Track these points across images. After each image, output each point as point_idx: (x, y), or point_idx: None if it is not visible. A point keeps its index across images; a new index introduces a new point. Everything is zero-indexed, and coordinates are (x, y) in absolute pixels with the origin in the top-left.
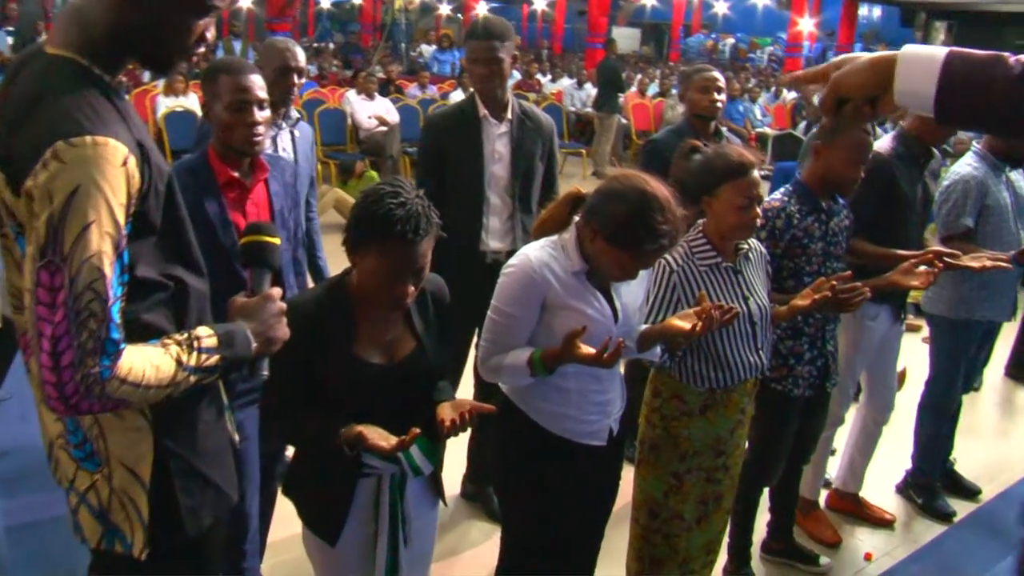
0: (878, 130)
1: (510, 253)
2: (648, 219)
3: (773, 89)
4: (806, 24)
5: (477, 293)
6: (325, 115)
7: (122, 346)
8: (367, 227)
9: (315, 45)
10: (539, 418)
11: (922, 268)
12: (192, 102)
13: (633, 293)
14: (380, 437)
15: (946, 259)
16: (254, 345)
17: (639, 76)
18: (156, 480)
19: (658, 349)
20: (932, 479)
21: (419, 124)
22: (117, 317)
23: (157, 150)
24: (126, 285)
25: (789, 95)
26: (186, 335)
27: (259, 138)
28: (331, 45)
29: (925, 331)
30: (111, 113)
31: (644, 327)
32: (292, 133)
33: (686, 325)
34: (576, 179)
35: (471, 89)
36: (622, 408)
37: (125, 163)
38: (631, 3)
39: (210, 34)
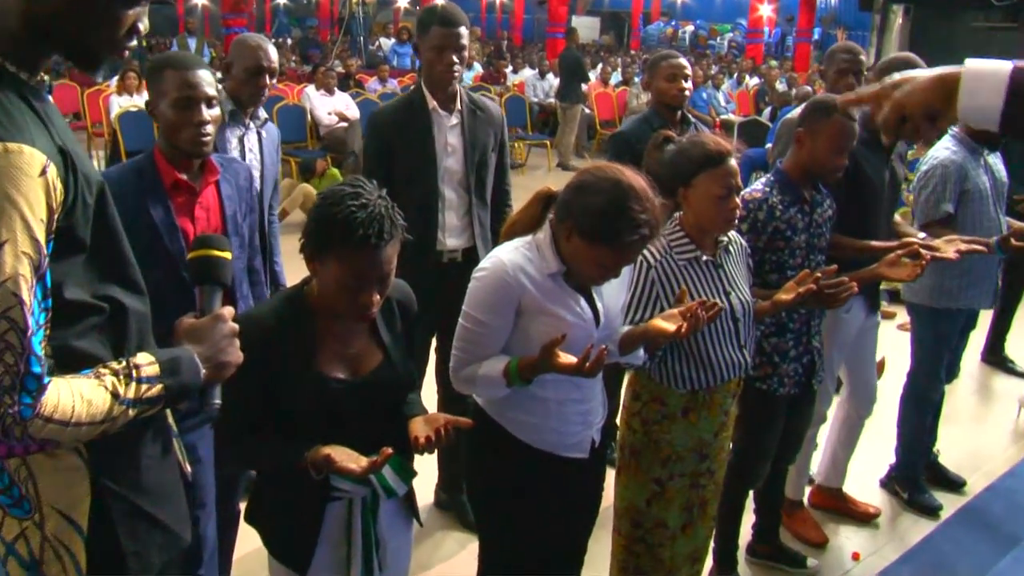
0: None
1: (468, 251)
2: (625, 209)
3: (736, 75)
4: (765, 10)
5: (435, 295)
6: (284, 112)
7: (45, 380)
8: (326, 232)
9: (273, 41)
10: (516, 430)
11: (907, 259)
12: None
13: (615, 294)
14: (349, 459)
15: (925, 252)
16: (203, 371)
17: (601, 65)
18: (95, 525)
19: (641, 352)
20: (917, 472)
21: None
22: (38, 349)
23: (86, 157)
24: (50, 311)
25: (752, 81)
26: (124, 363)
27: (207, 138)
28: (289, 41)
29: (900, 318)
30: (28, 116)
31: (625, 328)
32: (259, 134)
33: (670, 327)
34: (541, 171)
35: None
36: (604, 417)
37: (44, 173)
38: None
39: (142, 25)
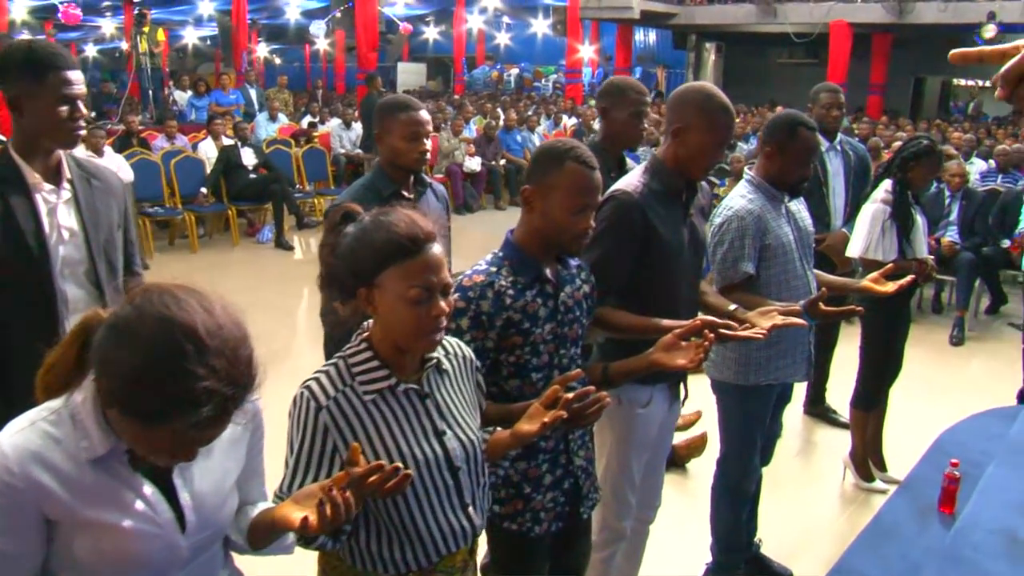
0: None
1: None
2: (174, 375)
3: (553, 116)
4: (586, 51)
5: None
6: None
7: None
8: None
9: None
10: None
11: (691, 341)
12: None
13: (217, 469)
14: None
15: (722, 331)
16: None
17: None
18: None
19: (290, 539)
20: (735, 573)
21: (160, 180)
22: None
23: None
24: None
25: (570, 121)
26: None
27: None
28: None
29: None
30: None
31: (261, 507)
32: None
33: (297, 515)
34: None
35: (7, 142)
36: None
37: None
38: (403, 36)
39: None
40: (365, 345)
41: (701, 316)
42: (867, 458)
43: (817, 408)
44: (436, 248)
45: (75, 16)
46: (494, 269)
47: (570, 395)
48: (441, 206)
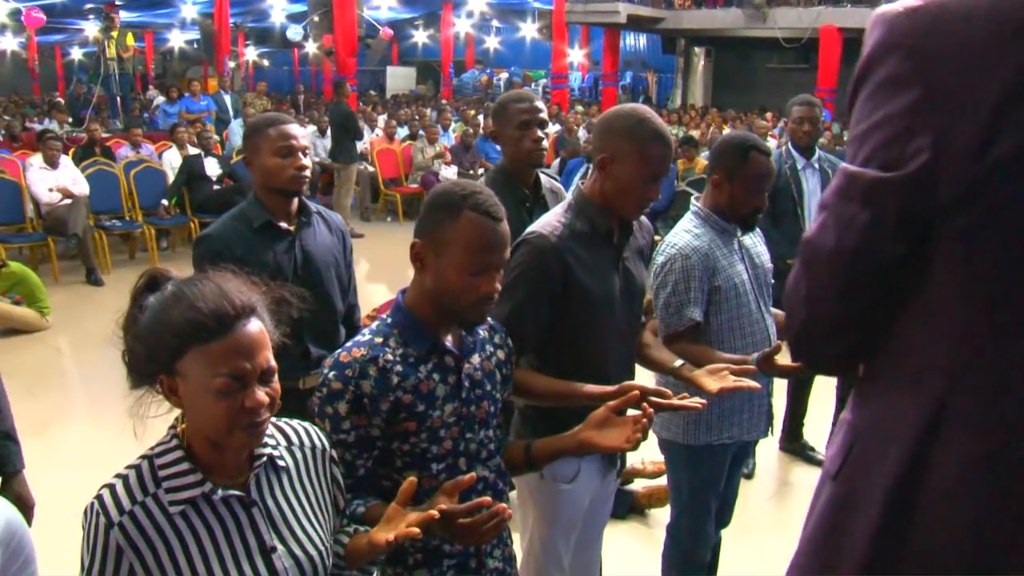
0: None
1: None
2: None
3: None
4: (576, 55)
5: None
6: None
7: None
8: None
9: (56, 100)
10: None
11: (627, 415)
12: None
13: None
14: None
15: (653, 399)
16: None
17: (383, 118)
18: None
19: None
20: None
21: (119, 192)
22: None
23: None
24: None
25: (553, 128)
26: None
27: None
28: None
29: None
30: None
31: None
32: None
33: None
34: None
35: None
36: None
37: None
38: (382, 40)
39: None
40: (176, 441)
41: (631, 383)
42: None
43: (794, 444)
44: (252, 325)
45: (38, 20)
46: (379, 340)
47: (442, 505)
48: (335, 238)
